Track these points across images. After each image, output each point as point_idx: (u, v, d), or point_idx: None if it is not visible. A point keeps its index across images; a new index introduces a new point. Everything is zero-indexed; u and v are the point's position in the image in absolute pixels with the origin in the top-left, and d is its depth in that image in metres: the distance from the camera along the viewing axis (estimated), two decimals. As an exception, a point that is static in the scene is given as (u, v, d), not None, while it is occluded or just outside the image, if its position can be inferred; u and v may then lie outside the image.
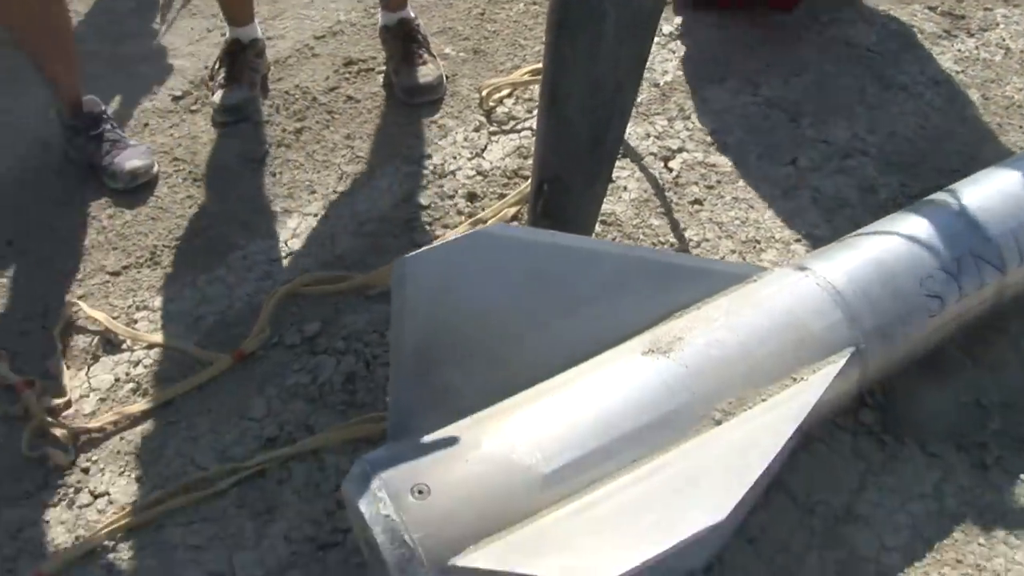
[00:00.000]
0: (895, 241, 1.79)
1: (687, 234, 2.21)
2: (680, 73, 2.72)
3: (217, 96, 2.61)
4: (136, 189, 2.38)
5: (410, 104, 2.61)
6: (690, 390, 1.51)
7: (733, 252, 2.17)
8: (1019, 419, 1.87)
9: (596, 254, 1.61)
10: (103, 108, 2.45)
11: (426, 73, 2.63)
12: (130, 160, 2.37)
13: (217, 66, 2.67)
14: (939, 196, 1.92)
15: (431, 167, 2.41)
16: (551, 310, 1.56)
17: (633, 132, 2.49)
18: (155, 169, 2.42)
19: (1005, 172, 1.99)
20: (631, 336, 1.61)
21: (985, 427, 1.86)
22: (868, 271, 1.72)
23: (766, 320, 1.62)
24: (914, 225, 1.83)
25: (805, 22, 2.88)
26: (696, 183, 2.35)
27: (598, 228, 2.19)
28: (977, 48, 2.84)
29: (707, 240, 2.20)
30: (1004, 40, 2.87)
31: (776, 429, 1.46)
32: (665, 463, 1.44)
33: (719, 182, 2.35)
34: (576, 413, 1.47)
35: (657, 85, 2.67)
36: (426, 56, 2.65)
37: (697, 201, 2.30)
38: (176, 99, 2.68)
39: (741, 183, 2.36)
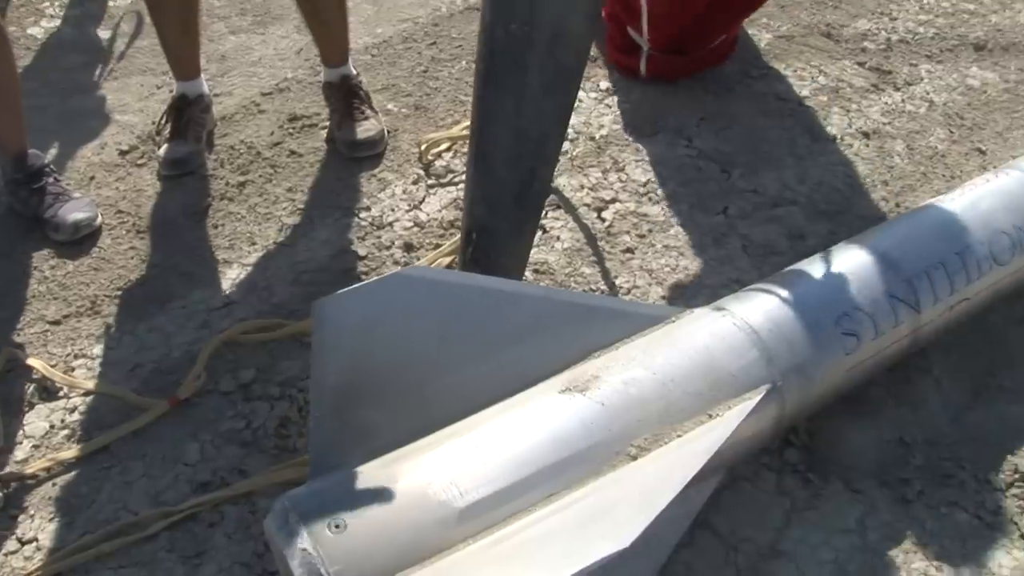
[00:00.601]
0: (812, 282, 1.85)
1: (618, 281, 2.26)
2: (616, 127, 2.79)
3: (163, 150, 2.65)
4: (79, 241, 2.41)
5: (351, 158, 2.67)
6: (606, 427, 1.54)
7: (663, 298, 2.22)
8: (941, 455, 1.92)
9: (514, 296, 1.65)
10: (46, 162, 2.49)
11: (367, 128, 2.68)
12: (73, 213, 2.40)
13: (163, 120, 2.72)
14: (857, 239, 1.99)
15: (369, 219, 2.46)
16: (469, 350, 1.60)
17: (568, 184, 2.55)
18: (98, 221, 2.45)
19: (922, 215, 2.07)
20: (550, 375, 1.65)
21: (908, 463, 1.91)
22: (785, 311, 1.77)
23: (683, 359, 1.66)
24: (831, 266, 1.89)
25: (736, 77, 2.97)
26: (628, 232, 2.40)
27: (531, 276, 2.24)
28: (903, 101, 2.93)
29: (637, 287, 2.25)
30: (928, 93, 2.97)
31: (687, 463, 1.49)
32: (579, 497, 1.47)
33: (651, 231, 2.41)
34: (492, 449, 1.50)
35: (593, 139, 2.74)
36: (367, 111, 2.71)
37: (629, 250, 2.36)
38: (123, 153, 2.72)
39: (672, 232, 2.41)
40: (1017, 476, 1.88)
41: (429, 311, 1.57)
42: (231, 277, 2.32)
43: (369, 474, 1.47)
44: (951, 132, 2.81)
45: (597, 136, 2.74)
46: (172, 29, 2.60)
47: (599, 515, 1.42)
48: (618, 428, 1.55)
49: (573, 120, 2.76)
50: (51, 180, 2.46)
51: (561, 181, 2.54)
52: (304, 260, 2.34)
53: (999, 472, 1.89)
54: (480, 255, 2.00)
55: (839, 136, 2.76)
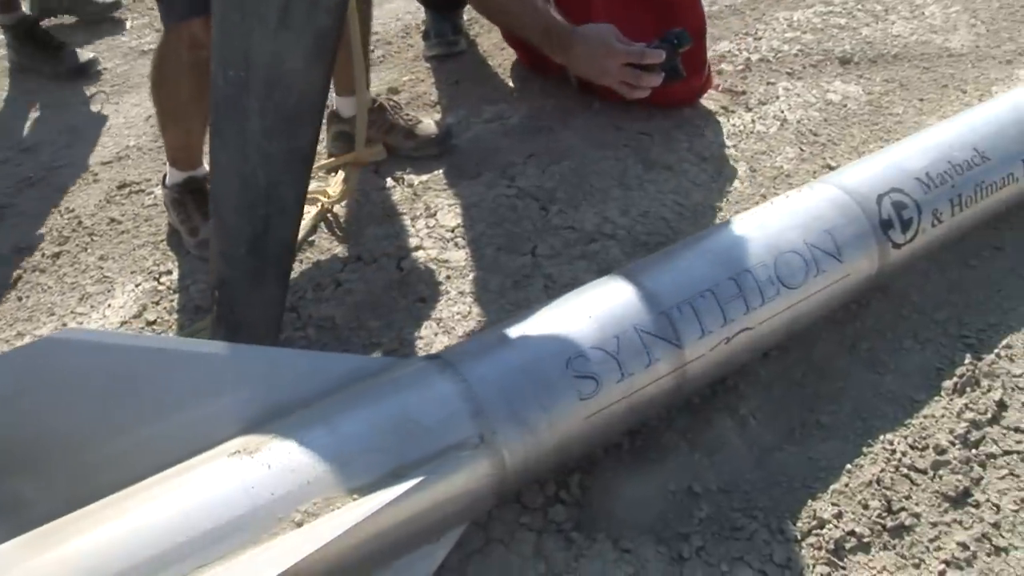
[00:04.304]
0: (544, 323, 1.72)
1: (403, 333, 2.14)
2: (438, 172, 2.70)
3: (203, 234, 2.42)
4: None
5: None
6: (269, 491, 1.43)
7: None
8: (733, 504, 1.75)
9: (189, 355, 1.57)
10: None
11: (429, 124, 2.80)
12: None
13: (184, 210, 2.50)
14: (616, 273, 1.86)
15: (169, 283, 2.38)
16: (134, 415, 1.51)
17: (372, 234, 2.46)
18: None
19: (698, 242, 1.94)
20: (228, 438, 1.54)
21: (692, 516, 1.74)
22: (504, 356, 1.65)
23: (371, 414, 1.54)
24: (570, 306, 1.76)
25: (577, 110, 2.86)
26: (425, 281, 2.30)
27: (313, 333, 2.14)
28: (753, 122, 2.81)
29: (422, 337, 2.13)
30: (782, 112, 2.85)
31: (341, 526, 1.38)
32: (226, 569, 1.36)
33: (448, 278, 2.30)
34: (145, 519, 1.40)
35: (411, 186, 2.65)
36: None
37: (421, 299, 2.25)
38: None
39: (472, 277, 2.30)
40: (815, 523, 1.70)
41: (87, 375, 1.49)
42: (18, 350, 2.26)
43: (11, 553, 1.38)
44: (801, 150, 2.68)
45: (416, 183, 2.65)
46: (195, 120, 2.40)
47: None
48: (282, 492, 1.43)
49: (392, 168, 2.69)
50: None
51: (368, 232, 2.44)
52: (95, 329, 2.27)
53: (796, 520, 1.71)
54: (224, 311, 1.93)
55: (675, 163, 2.63)
